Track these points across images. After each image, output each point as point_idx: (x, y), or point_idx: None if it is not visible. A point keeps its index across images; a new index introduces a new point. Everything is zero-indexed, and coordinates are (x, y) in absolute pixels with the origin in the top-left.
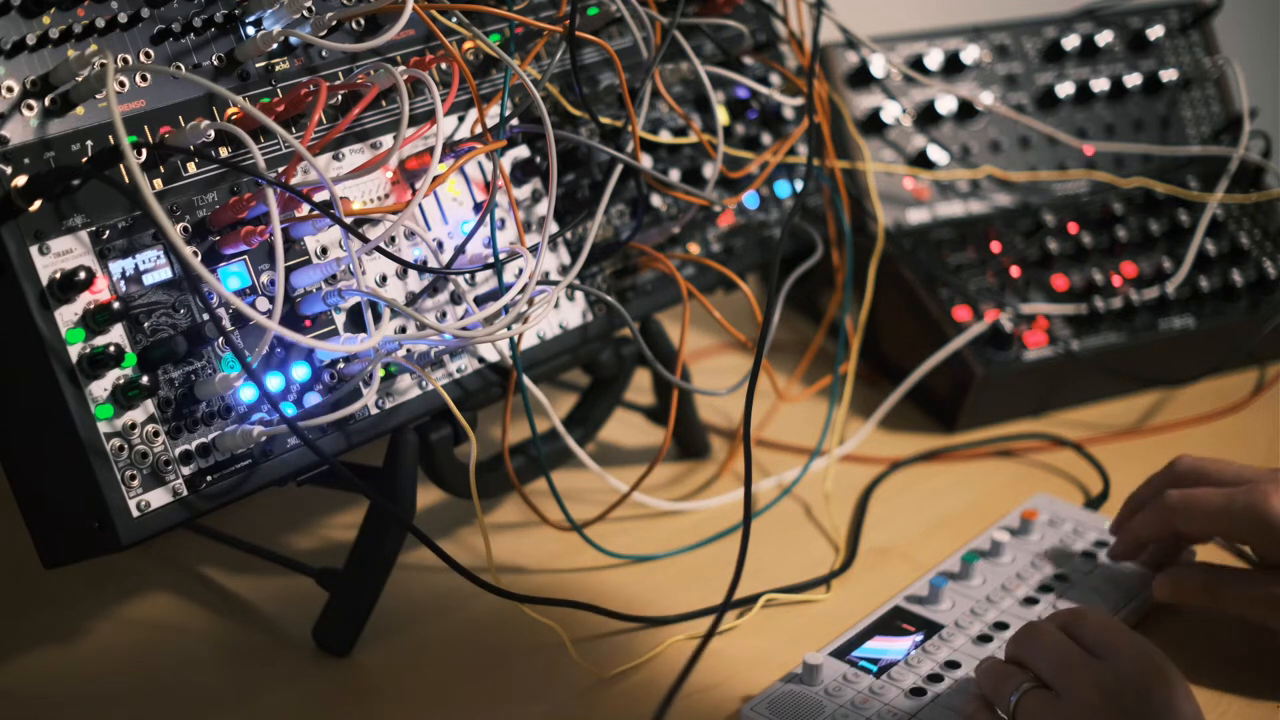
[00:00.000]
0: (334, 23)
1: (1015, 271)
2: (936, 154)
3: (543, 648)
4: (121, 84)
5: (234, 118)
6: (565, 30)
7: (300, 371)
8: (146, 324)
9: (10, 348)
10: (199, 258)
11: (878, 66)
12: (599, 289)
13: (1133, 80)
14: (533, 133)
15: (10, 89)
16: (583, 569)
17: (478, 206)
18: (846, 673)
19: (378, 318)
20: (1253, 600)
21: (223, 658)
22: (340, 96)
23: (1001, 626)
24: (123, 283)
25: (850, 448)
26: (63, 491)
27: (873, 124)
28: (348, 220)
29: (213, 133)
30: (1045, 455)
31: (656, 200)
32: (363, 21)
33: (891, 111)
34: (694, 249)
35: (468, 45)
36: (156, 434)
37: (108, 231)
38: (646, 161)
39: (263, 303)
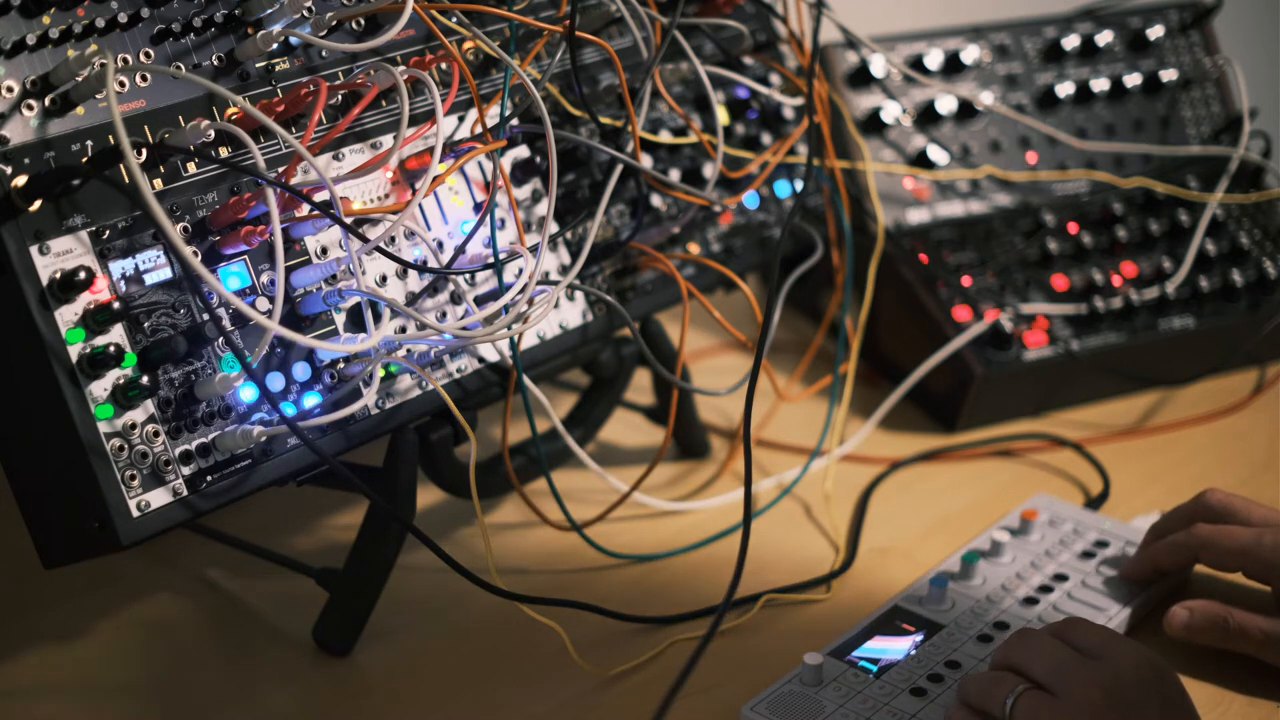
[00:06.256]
0: (334, 23)
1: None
2: (936, 154)
3: (543, 648)
4: (121, 84)
5: (234, 118)
6: (565, 30)
7: (300, 371)
8: (146, 324)
9: (10, 348)
10: (199, 258)
11: (878, 66)
12: (599, 289)
13: (1133, 80)
14: (533, 133)
15: (10, 89)
16: (583, 569)
17: (478, 206)
18: (846, 673)
19: (378, 318)
20: (1267, 644)
21: (223, 658)
22: (340, 96)
23: (1002, 626)
24: (123, 283)
25: (850, 448)
26: (63, 492)
27: (873, 124)
28: (348, 220)
29: (213, 133)
30: (1045, 455)
31: (656, 200)
32: (363, 21)
33: (891, 111)
34: (694, 249)
35: (468, 45)
36: (156, 434)
37: (108, 231)
38: (646, 161)
39: (263, 303)
